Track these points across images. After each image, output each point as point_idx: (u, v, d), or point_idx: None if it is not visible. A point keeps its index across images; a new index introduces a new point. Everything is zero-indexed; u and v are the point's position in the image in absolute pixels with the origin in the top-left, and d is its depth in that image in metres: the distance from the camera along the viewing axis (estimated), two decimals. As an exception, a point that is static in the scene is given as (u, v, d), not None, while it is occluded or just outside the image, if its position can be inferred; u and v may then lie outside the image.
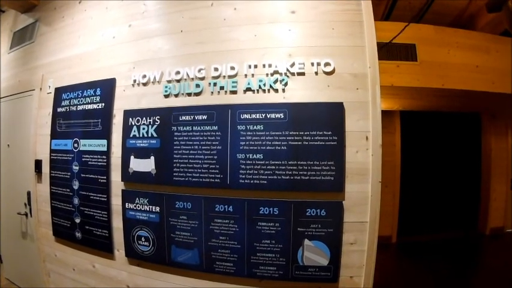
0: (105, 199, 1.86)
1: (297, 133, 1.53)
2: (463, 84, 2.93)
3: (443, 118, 4.58)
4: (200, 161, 1.62)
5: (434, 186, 4.66)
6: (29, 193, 2.27)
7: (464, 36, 3.08)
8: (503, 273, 3.28)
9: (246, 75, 1.64)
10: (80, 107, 1.97)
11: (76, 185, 1.96)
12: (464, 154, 4.77)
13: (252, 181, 1.56)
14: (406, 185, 4.41)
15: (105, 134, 1.87)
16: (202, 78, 1.70)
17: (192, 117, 1.66)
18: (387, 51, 2.66)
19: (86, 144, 1.93)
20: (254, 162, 1.55)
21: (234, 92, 1.64)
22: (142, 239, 1.76)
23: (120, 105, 1.86)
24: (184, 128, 1.66)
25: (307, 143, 1.52)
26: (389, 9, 3.13)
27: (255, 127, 1.56)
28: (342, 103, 1.53)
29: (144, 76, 1.80)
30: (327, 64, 1.57)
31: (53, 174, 2.08)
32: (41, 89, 2.25)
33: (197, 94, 1.70)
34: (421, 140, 4.59)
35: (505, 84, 3.02)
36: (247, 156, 1.56)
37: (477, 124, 4.82)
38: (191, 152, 1.64)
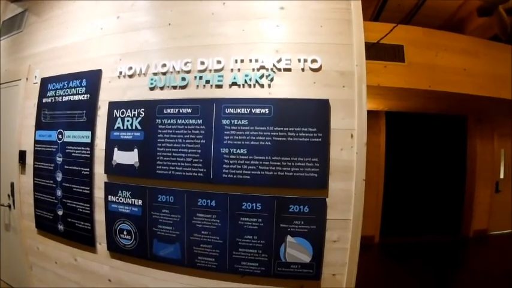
0: (88, 191, 1.83)
1: (282, 129, 1.52)
2: (450, 86, 2.95)
3: (429, 120, 4.61)
4: (184, 155, 1.61)
5: (419, 188, 4.70)
6: (12, 184, 2.24)
7: (453, 39, 3.10)
8: (486, 276, 3.31)
9: (232, 70, 1.63)
10: (65, 98, 1.95)
11: (59, 176, 1.94)
12: (449, 157, 4.81)
13: (235, 176, 1.55)
14: (390, 186, 4.43)
15: (90, 125, 1.84)
16: (188, 72, 1.68)
17: (176, 110, 1.64)
18: (375, 51, 2.66)
19: (70, 136, 1.90)
20: (238, 157, 1.54)
21: (219, 86, 1.63)
22: (124, 232, 1.74)
23: (105, 97, 1.84)
24: (169, 121, 1.65)
25: (291, 139, 1.51)
26: (379, 10, 3.15)
27: (239, 122, 1.55)
28: (327, 100, 1.53)
29: (130, 68, 1.78)
30: (313, 61, 1.56)
31: (37, 166, 2.05)
32: (27, 79, 2.21)
33: (182, 87, 1.68)
34: (406, 142, 4.62)
35: (493, 88, 3.05)
36: (231, 150, 1.55)
37: (463, 127, 4.86)
38: (175, 145, 1.63)
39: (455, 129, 4.83)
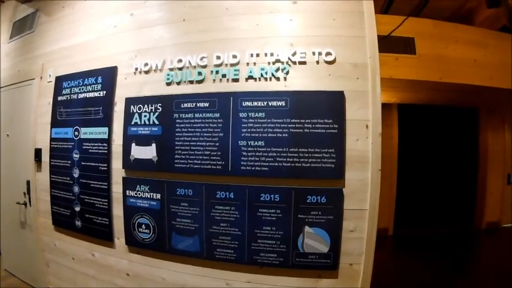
0: (106, 187, 1.86)
1: (298, 121, 1.54)
2: (461, 78, 2.97)
3: (441, 112, 4.60)
4: (202, 148, 1.63)
5: (431, 180, 4.69)
6: (28, 182, 2.27)
7: (463, 31, 3.11)
8: (498, 267, 3.32)
9: (247, 64, 1.65)
10: (81, 95, 1.97)
11: (76, 173, 1.96)
12: (461, 148, 4.80)
13: (253, 168, 1.57)
14: (403, 178, 4.43)
15: (106, 121, 1.87)
16: (205, 66, 1.71)
17: (194, 104, 1.66)
18: (386, 43, 2.68)
19: (87, 132, 1.93)
20: (255, 149, 1.57)
21: (236, 80, 1.65)
22: (143, 226, 1.77)
23: (121, 93, 1.87)
24: (186, 115, 1.67)
25: (308, 130, 1.53)
26: (388, 3, 3.16)
27: (256, 114, 1.58)
28: (342, 92, 1.55)
29: (146, 64, 1.81)
30: (328, 54, 1.58)
31: (53, 163, 2.08)
32: (41, 78, 2.24)
33: (199, 82, 1.71)
34: (418, 134, 4.62)
35: (503, 79, 3.06)
36: (249, 143, 1.57)
37: (475, 119, 4.84)
38: (193, 139, 1.65)
39: (467, 121, 4.82)
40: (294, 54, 1.60)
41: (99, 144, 1.88)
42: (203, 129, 1.64)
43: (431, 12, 3.16)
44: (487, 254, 3.91)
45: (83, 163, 1.94)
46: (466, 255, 3.76)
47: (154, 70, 1.80)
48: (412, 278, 2.99)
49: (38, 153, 2.19)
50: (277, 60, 1.61)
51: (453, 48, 2.97)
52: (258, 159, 1.56)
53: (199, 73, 1.70)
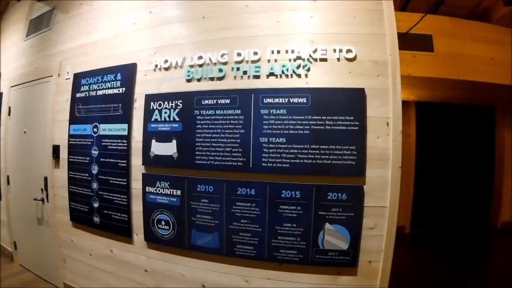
0: (125, 183, 1.87)
1: (319, 117, 1.54)
2: (478, 76, 2.96)
3: (458, 110, 4.57)
4: (223, 145, 1.64)
5: (448, 179, 4.66)
6: (45, 179, 2.29)
7: (479, 29, 3.09)
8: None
9: (268, 61, 1.65)
10: (99, 92, 1.99)
11: (95, 169, 1.98)
12: (478, 147, 4.76)
13: (274, 164, 1.57)
14: (420, 176, 4.39)
15: (126, 118, 1.88)
16: (225, 63, 1.71)
17: (215, 101, 1.67)
18: (404, 41, 2.66)
19: (106, 129, 1.94)
20: (277, 146, 1.57)
21: (257, 77, 1.66)
22: (162, 222, 1.78)
23: (141, 90, 1.88)
24: (207, 112, 1.68)
25: (329, 127, 1.53)
26: (406, 0, 3.15)
27: (277, 111, 1.58)
28: (363, 89, 1.55)
29: (166, 61, 1.82)
30: (348, 51, 1.58)
31: (71, 159, 2.10)
32: (58, 75, 2.26)
33: (220, 78, 1.71)
34: (435, 132, 4.58)
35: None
36: (270, 140, 1.58)
37: (491, 117, 4.80)
38: (214, 135, 1.66)
39: (484, 120, 4.80)
40: (314, 51, 1.60)
41: (119, 140, 1.89)
42: (224, 126, 1.64)
43: (449, 10, 3.14)
44: (501, 253, 3.88)
45: (101, 159, 1.95)
46: (481, 254, 3.73)
47: (175, 67, 1.80)
48: (427, 277, 2.98)
49: (55, 149, 2.21)
50: (298, 57, 1.62)
51: (470, 45, 2.96)
52: (279, 155, 1.57)
53: (220, 70, 1.71)
